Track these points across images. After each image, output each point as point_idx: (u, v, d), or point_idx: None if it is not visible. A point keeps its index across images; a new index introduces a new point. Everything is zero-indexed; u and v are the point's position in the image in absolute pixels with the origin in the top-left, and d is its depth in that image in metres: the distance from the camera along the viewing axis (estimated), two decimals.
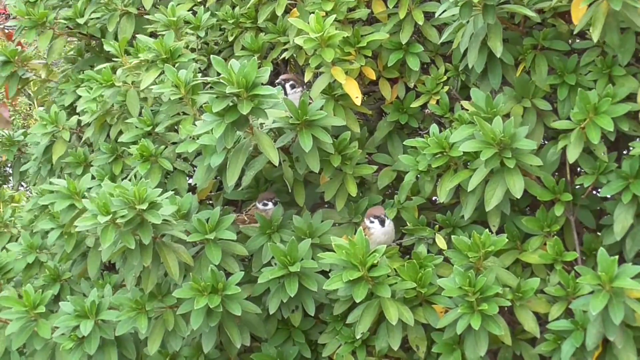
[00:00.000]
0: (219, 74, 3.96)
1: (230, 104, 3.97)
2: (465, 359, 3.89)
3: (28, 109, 10.32)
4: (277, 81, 4.40)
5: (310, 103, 4.25)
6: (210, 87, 4.01)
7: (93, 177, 4.70)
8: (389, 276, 3.94)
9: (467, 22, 4.21)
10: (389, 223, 4.24)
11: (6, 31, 6.41)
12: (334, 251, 3.89)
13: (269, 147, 4.11)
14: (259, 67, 4.01)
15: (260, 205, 4.50)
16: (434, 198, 4.57)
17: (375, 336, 4.09)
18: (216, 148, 4.08)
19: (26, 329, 4.33)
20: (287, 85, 4.46)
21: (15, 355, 4.66)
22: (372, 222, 4.22)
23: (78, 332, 4.22)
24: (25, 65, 5.65)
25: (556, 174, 4.28)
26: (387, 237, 4.23)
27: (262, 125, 4.21)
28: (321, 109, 4.25)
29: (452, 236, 3.97)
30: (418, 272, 3.98)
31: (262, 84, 3.99)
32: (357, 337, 4.05)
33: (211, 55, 4.10)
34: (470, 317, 3.75)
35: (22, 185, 7.08)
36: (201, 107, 4.31)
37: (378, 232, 4.19)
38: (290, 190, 4.42)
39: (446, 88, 4.56)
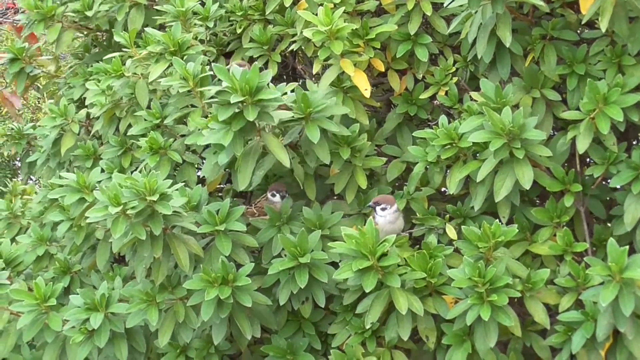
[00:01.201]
0: (220, 81, 3.97)
1: (237, 110, 3.97)
2: (475, 350, 3.90)
3: (37, 102, 10.34)
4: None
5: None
6: (216, 94, 4.01)
7: (102, 170, 4.70)
8: (399, 266, 3.94)
9: (476, 12, 4.21)
10: (391, 212, 4.22)
11: (16, 25, 6.40)
12: (344, 242, 3.90)
13: (278, 149, 4.10)
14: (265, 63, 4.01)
15: (269, 195, 4.50)
16: (443, 189, 4.56)
17: (385, 327, 4.08)
18: (225, 151, 4.08)
19: (37, 321, 4.33)
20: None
21: (25, 349, 4.67)
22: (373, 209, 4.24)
23: (88, 325, 4.22)
24: (33, 61, 5.66)
25: (566, 164, 4.27)
26: (394, 227, 4.22)
27: (269, 125, 4.19)
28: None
29: (463, 227, 3.97)
30: (428, 262, 3.97)
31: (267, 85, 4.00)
32: (367, 327, 4.05)
33: (212, 64, 4.10)
34: (480, 308, 3.75)
35: (30, 179, 7.08)
36: (210, 98, 4.29)
37: (382, 221, 4.19)
38: (302, 187, 4.42)
39: (455, 79, 4.56)
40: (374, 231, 3.87)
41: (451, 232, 4.20)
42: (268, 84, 4.03)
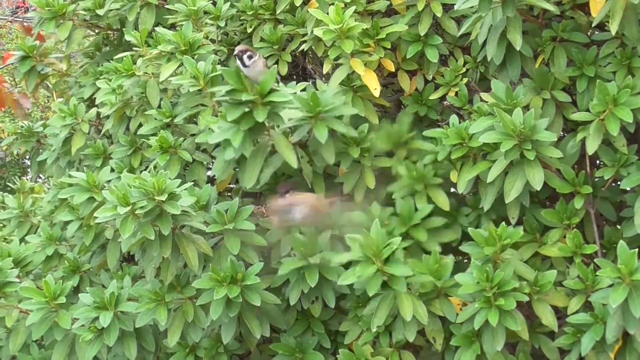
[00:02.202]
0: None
1: (246, 109, 3.98)
2: (483, 352, 3.88)
3: (46, 101, 10.37)
4: (234, 54, 4.23)
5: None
6: (226, 93, 4.02)
7: (112, 170, 4.71)
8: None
9: (486, 14, 4.20)
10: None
11: (25, 24, 6.41)
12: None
13: (287, 149, 4.11)
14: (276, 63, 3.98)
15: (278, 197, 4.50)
16: (452, 190, 4.56)
17: (393, 327, 4.07)
18: (234, 149, 4.08)
19: (46, 319, 4.34)
20: (245, 57, 4.14)
21: (34, 348, 4.68)
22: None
23: (97, 323, 4.23)
24: (44, 60, 5.67)
25: (576, 166, 4.27)
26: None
27: (278, 125, 4.20)
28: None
29: (469, 229, 3.96)
30: (434, 264, 3.96)
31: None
32: (373, 330, 4.03)
33: (221, 67, 4.11)
34: (487, 313, 3.73)
35: (40, 177, 7.10)
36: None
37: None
38: (310, 186, 4.42)
39: (465, 80, 4.54)
40: (380, 233, 3.86)
41: None
42: (277, 82, 4.04)
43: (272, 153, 4.21)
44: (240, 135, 3.97)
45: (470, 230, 3.93)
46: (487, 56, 4.27)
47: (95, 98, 5.14)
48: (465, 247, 4.00)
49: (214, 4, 4.98)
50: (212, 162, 4.57)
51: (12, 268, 4.59)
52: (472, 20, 4.33)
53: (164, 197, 3.94)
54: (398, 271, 3.80)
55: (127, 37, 4.87)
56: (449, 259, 4.00)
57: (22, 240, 5.09)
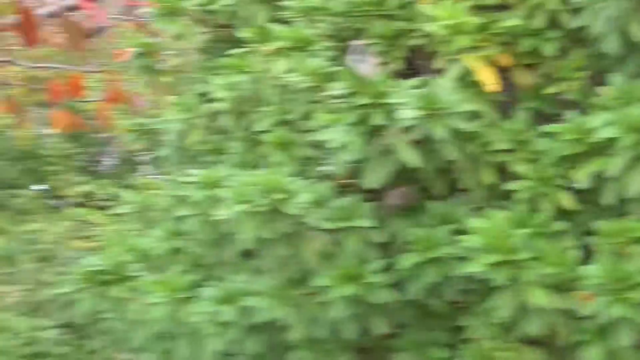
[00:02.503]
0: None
1: (363, 111, 4.01)
2: (610, 348, 3.85)
3: (160, 97, 10.51)
4: (353, 48, 4.30)
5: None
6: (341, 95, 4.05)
7: (228, 166, 4.77)
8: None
9: (604, 5, 4.16)
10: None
11: (138, 20, 6.53)
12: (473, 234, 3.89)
13: (405, 148, 4.13)
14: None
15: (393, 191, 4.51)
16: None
17: (516, 321, 4.05)
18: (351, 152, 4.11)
19: (170, 313, 4.44)
20: (363, 53, 4.37)
21: (158, 340, 4.77)
22: None
23: (219, 317, 4.31)
24: (158, 56, 5.76)
25: None
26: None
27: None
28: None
29: (597, 221, 3.93)
30: (562, 255, 3.94)
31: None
32: (497, 321, 4.04)
33: (339, 67, 4.15)
34: (614, 306, 3.70)
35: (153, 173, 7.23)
36: (335, 98, 4.32)
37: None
38: (427, 183, 4.42)
39: (582, 74, 4.50)
40: (504, 223, 3.84)
41: None
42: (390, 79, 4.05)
43: (391, 152, 4.22)
44: (358, 137, 4.00)
45: (598, 222, 3.89)
46: (605, 49, 4.22)
47: (210, 93, 5.21)
48: (590, 239, 3.96)
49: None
50: (328, 159, 4.60)
51: (136, 262, 4.69)
52: (589, 12, 4.28)
53: (281, 195, 3.98)
54: (521, 255, 3.81)
55: (241, 34, 4.92)
56: (576, 250, 3.97)
57: (142, 235, 5.20)
